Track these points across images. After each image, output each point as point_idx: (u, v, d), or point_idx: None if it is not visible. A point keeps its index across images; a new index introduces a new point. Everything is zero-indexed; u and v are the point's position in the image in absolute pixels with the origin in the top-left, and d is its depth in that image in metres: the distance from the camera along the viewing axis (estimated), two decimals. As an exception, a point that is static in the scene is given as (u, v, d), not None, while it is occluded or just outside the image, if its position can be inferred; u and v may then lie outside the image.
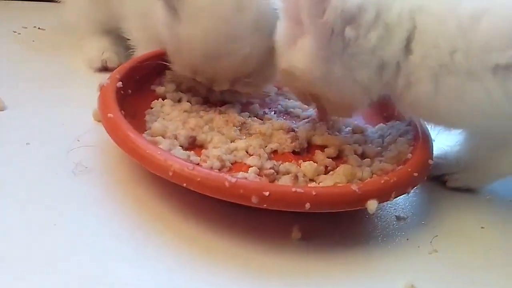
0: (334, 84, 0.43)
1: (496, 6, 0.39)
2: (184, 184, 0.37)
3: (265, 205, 0.36)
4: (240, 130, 0.53)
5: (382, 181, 0.40)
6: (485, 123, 0.42)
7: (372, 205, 0.38)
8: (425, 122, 0.49)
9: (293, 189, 0.37)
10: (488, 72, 0.39)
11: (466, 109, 0.41)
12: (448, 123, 0.46)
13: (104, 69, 0.65)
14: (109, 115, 0.43)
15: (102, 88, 0.48)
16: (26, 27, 0.76)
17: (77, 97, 0.57)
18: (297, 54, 0.43)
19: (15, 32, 0.74)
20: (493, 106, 0.40)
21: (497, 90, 0.39)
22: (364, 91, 0.44)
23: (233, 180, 0.37)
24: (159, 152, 0.39)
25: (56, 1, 0.70)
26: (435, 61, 0.40)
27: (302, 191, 0.37)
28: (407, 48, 0.41)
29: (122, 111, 0.45)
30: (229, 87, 0.52)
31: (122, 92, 0.49)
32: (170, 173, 0.37)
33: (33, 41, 0.72)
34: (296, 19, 0.42)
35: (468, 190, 0.50)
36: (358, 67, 0.42)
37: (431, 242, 0.42)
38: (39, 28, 0.76)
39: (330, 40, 0.40)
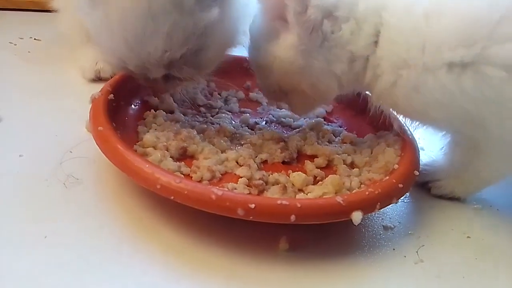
0: (313, 76, 0.47)
1: (450, 6, 0.41)
2: (172, 197, 0.38)
3: (251, 217, 0.37)
4: (231, 140, 0.54)
5: (367, 193, 0.40)
6: (442, 116, 0.44)
7: (356, 216, 0.39)
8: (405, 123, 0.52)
9: (278, 202, 0.38)
10: (443, 68, 0.41)
11: (422, 101, 0.43)
12: (409, 115, 0.49)
13: (98, 79, 0.66)
14: (99, 128, 0.44)
15: (93, 100, 0.49)
16: (22, 38, 0.76)
17: (71, 108, 0.57)
18: (280, 48, 0.46)
19: (11, 43, 0.74)
20: (449, 99, 0.41)
21: (452, 85, 0.41)
22: (338, 83, 0.47)
23: (220, 193, 0.37)
24: (147, 166, 0.40)
25: (52, 11, 0.71)
26: (396, 55, 0.43)
27: (287, 203, 0.37)
28: (376, 42, 0.44)
29: (113, 123, 0.46)
30: (164, 73, 0.48)
31: (114, 104, 0.50)
32: (158, 186, 0.38)
33: (29, 52, 0.72)
34: (279, 16, 0.45)
35: (453, 199, 0.51)
36: (334, 60, 0.45)
37: (417, 252, 0.43)
38: (35, 39, 0.77)
39: (310, 35, 0.44)
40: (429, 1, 0.42)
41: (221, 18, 0.48)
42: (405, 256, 0.42)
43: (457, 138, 0.47)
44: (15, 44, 0.74)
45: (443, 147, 0.51)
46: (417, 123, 0.49)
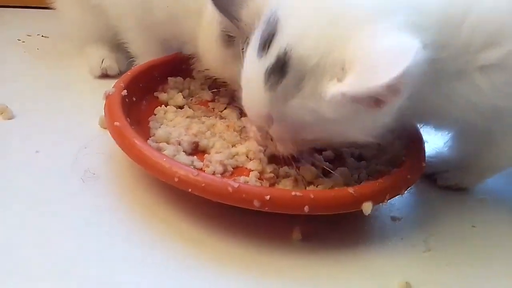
0: None
1: None
2: (189, 190, 0.39)
3: (266, 208, 0.38)
4: (240, 134, 0.55)
5: (377, 184, 0.42)
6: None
7: (367, 207, 0.40)
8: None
9: (293, 193, 0.39)
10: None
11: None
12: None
13: (105, 76, 0.67)
14: (116, 123, 0.45)
15: (107, 96, 0.50)
16: (30, 35, 0.78)
17: (83, 104, 0.59)
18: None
19: (19, 40, 0.75)
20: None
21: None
22: None
23: (236, 185, 0.39)
24: (164, 159, 0.41)
25: (52, 8, 0.71)
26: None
27: (301, 194, 0.39)
28: None
29: (128, 119, 0.47)
30: None
31: (127, 100, 0.51)
32: (176, 179, 0.39)
33: (38, 49, 0.73)
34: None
35: (459, 190, 0.52)
36: None
37: (424, 241, 0.44)
38: (42, 36, 0.78)
39: None
40: None
41: None
42: (413, 246, 0.44)
43: (466, 131, 0.48)
44: (24, 41, 0.76)
45: (447, 141, 0.52)
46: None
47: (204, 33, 0.54)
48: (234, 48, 0.50)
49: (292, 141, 0.42)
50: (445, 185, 0.52)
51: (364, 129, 0.39)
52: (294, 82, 0.36)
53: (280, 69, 0.37)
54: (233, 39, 0.51)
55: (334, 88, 0.34)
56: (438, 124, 0.49)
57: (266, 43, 0.38)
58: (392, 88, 0.32)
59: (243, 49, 0.47)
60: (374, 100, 0.34)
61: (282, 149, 0.44)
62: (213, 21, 0.52)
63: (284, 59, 0.36)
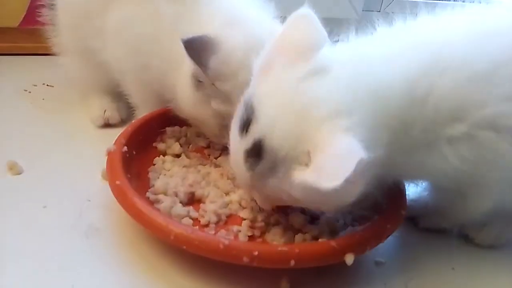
0: None
1: None
2: (184, 247, 0.43)
3: (255, 263, 0.42)
4: (233, 181, 0.59)
5: (358, 236, 0.45)
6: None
7: (349, 258, 0.43)
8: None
9: (279, 248, 0.42)
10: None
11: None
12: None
13: (107, 125, 0.71)
14: (117, 182, 0.49)
15: (109, 154, 0.54)
16: (36, 85, 0.82)
17: (87, 156, 0.62)
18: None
19: (26, 90, 0.80)
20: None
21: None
22: None
23: (226, 242, 0.42)
24: (161, 218, 0.45)
25: (55, 55, 0.75)
26: None
27: (287, 249, 0.42)
28: None
29: (128, 175, 0.51)
30: None
31: (127, 155, 0.55)
32: (172, 237, 0.43)
33: (43, 99, 0.77)
34: None
35: (439, 232, 0.55)
36: None
37: (406, 285, 0.48)
38: (47, 85, 0.82)
39: None
40: None
41: None
42: (395, 290, 0.47)
43: (439, 186, 0.52)
44: (30, 92, 0.80)
45: (425, 186, 0.56)
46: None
47: (181, 77, 0.59)
48: (204, 91, 0.56)
49: (270, 204, 0.47)
50: (426, 227, 0.55)
51: (335, 204, 0.43)
52: (269, 166, 0.41)
53: (256, 153, 0.41)
54: (202, 83, 0.56)
55: (300, 175, 0.39)
56: (412, 180, 0.53)
57: (244, 126, 0.42)
58: (343, 186, 0.35)
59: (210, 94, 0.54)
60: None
61: (262, 206, 0.49)
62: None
63: (259, 145, 0.41)
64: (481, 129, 0.44)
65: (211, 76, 0.53)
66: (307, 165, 0.39)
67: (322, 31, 0.44)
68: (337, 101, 0.40)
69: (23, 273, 0.43)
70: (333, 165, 0.37)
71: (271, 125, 0.40)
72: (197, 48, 0.53)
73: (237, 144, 0.43)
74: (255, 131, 0.41)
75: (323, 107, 0.39)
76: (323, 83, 0.41)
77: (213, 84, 0.54)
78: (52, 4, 0.71)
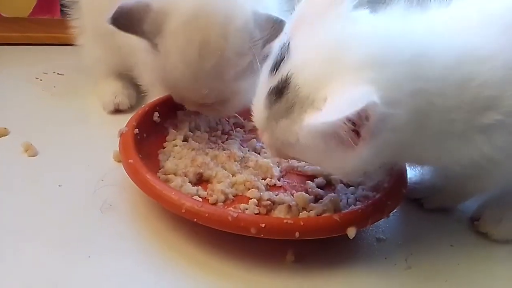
0: None
1: None
2: (195, 219, 0.45)
3: (262, 235, 0.44)
4: (240, 163, 0.61)
5: (360, 211, 0.47)
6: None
7: (351, 231, 0.45)
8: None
9: (285, 221, 0.45)
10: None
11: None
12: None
13: (117, 111, 0.74)
14: (130, 160, 0.51)
15: (122, 135, 0.56)
16: (46, 73, 0.84)
17: (98, 138, 0.64)
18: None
19: (37, 78, 0.82)
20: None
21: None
22: None
23: (235, 214, 0.44)
24: (173, 193, 0.47)
25: (74, 45, 0.78)
26: None
27: (292, 222, 0.44)
28: None
29: (140, 155, 0.53)
30: (196, 109, 0.64)
31: (138, 137, 0.57)
32: (183, 210, 0.45)
33: (54, 86, 0.80)
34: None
35: (441, 211, 0.57)
36: None
37: (406, 260, 0.50)
38: (58, 73, 0.85)
39: None
40: None
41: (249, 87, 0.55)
42: (395, 264, 0.49)
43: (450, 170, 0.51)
44: (41, 80, 0.82)
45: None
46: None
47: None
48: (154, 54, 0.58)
49: (277, 152, 0.47)
50: (431, 208, 0.57)
51: (338, 166, 0.43)
52: (287, 105, 0.41)
53: (280, 91, 0.41)
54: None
55: (307, 118, 0.39)
56: (418, 165, 0.55)
57: (276, 66, 0.43)
58: (347, 129, 0.35)
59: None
60: (340, 140, 0.38)
61: (270, 153, 0.50)
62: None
63: (285, 83, 0.41)
64: None
65: (151, 37, 0.56)
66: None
67: None
68: (369, 53, 0.39)
69: (43, 246, 0.46)
70: (337, 103, 0.36)
71: (302, 63, 0.40)
72: (126, 22, 0.55)
73: (264, 84, 0.44)
74: (286, 68, 0.41)
75: (353, 55, 0.39)
76: (359, 31, 0.41)
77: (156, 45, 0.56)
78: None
